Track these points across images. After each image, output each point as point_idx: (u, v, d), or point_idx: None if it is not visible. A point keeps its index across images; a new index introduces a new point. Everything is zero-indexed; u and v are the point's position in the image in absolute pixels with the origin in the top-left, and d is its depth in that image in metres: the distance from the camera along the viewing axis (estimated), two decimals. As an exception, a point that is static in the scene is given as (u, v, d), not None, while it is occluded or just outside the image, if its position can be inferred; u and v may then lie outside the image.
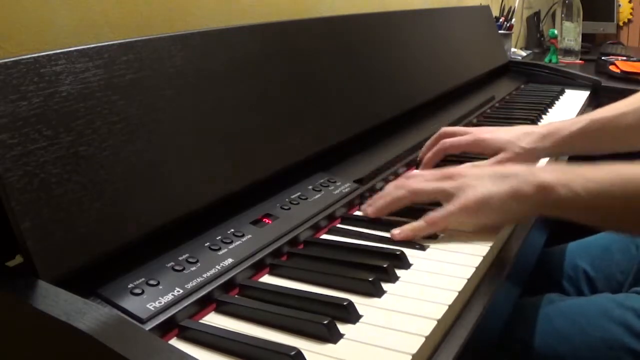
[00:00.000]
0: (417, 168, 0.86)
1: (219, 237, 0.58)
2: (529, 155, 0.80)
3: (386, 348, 0.44)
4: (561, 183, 0.58)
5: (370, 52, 0.98)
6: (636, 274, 0.86)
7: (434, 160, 0.84)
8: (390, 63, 1.02)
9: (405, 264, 0.57)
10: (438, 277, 0.55)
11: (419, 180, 0.67)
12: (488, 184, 0.62)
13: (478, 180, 0.62)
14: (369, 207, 0.67)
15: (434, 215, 0.62)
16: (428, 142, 0.86)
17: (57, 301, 0.43)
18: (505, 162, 0.79)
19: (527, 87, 1.49)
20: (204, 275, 0.52)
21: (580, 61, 2.04)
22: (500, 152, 0.80)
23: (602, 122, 0.81)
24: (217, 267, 0.54)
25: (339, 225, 0.67)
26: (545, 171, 0.61)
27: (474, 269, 0.56)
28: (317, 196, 0.69)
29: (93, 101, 0.53)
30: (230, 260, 0.55)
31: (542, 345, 0.72)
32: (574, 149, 0.83)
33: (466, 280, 0.54)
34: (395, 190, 0.67)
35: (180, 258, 0.54)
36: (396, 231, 0.62)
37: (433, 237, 0.63)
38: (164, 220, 0.55)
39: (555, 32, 2.04)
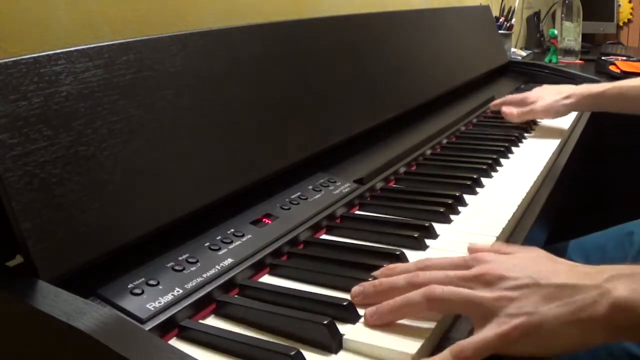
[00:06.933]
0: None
1: (219, 237, 0.58)
2: (555, 106, 1.07)
3: (386, 348, 0.44)
4: None
5: (371, 52, 0.98)
6: None
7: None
8: (390, 63, 1.02)
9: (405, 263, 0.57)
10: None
11: (438, 279, 0.49)
12: (541, 302, 0.45)
13: (526, 292, 0.46)
14: (372, 316, 0.48)
15: (467, 347, 0.44)
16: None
17: (57, 301, 0.43)
18: (540, 109, 1.08)
19: (527, 87, 1.49)
20: (204, 275, 0.52)
21: (580, 61, 2.04)
22: (537, 101, 1.08)
23: (619, 89, 1.05)
24: (217, 267, 0.54)
25: (339, 225, 0.67)
26: (619, 281, 0.44)
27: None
28: (317, 196, 0.69)
29: (93, 101, 0.53)
30: (230, 260, 0.55)
31: None
32: (594, 107, 1.11)
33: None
34: (406, 288, 0.49)
35: (180, 258, 0.54)
36: None
37: (433, 237, 0.63)
38: (164, 220, 0.55)
39: (555, 32, 2.04)
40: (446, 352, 0.44)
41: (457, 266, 0.50)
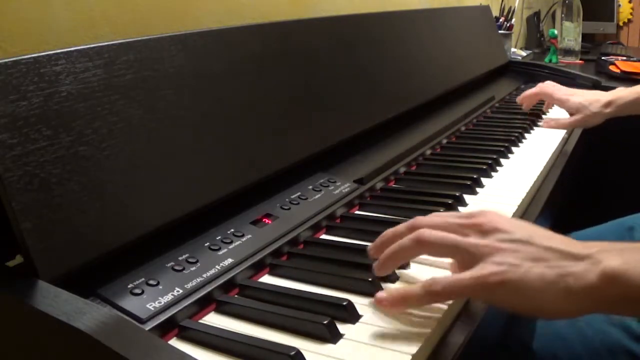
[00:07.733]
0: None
1: (219, 237, 0.58)
2: (596, 117, 1.08)
3: (386, 348, 0.44)
4: (634, 268, 0.43)
5: (370, 52, 0.98)
6: None
7: (529, 98, 1.17)
8: (390, 63, 1.02)
9: (405, 263, 0.57)
10: (439, 273, 0.54)
11: (435, 223, 0.50)
12: (528, 258, 0.45)
13: (516, 247, 0.46)
14: (378, 269, 0.52)
15: (438, 282, 0.46)
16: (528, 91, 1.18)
17: (57, 301, 0.43)
18: (580, 122, 1.09)
19: (527, 87, 1.49)
20: (204, 275, 0.52)
21: (580, 61, 2.03)
22: (577, 113, 1.09)
23: None
24: (217, 267, 0.54)
25: (339, 225, 0.67)
26: (611, 253, 0.44)
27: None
28: (317, 196, 0.69)
29: (93, 101, 0.53)
30: (230, 260, 0.55)
31: (542, 347, 0.72)
32: (630, 111, 1.09)
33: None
34: (405, 232, 0.51)
35: (180, 258, 0.54)
36: (382, 295, 0.48)
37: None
38: (164, 220, 0.55)
39: (555, 32, 2.04)
40: (418, 285, 0.47)
41: (461, 217, 0.51)
